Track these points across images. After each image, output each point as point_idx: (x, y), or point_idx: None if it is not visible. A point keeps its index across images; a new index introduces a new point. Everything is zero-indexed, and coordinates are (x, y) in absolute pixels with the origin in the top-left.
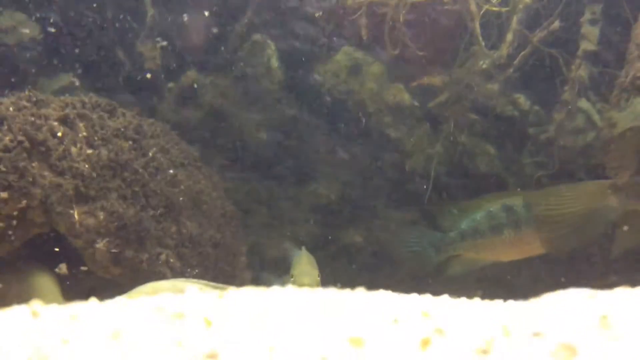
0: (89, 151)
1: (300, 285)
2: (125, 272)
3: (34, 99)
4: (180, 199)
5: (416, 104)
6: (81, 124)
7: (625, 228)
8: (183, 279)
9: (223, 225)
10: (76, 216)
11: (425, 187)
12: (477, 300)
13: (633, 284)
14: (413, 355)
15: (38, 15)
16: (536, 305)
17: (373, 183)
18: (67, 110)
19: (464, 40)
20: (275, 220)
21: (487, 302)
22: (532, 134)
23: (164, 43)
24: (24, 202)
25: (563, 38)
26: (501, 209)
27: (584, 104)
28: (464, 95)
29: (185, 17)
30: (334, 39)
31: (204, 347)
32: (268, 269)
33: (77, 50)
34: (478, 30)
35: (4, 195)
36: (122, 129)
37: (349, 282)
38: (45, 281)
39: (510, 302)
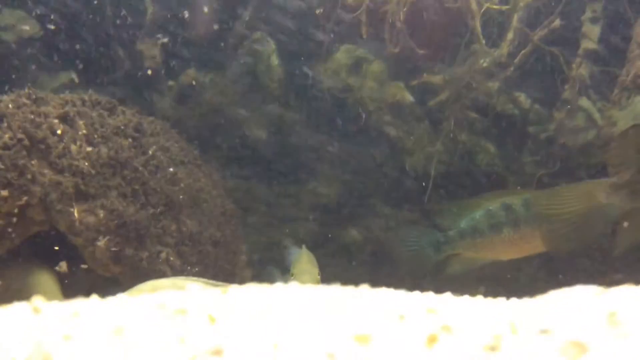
0: (89, 149)
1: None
2: (125, 270)
3: (34, 96)
4: (180, 197)
5: (412, 100)
6: (81, 122)
7: (625, 224)
8: (183, 277)
9: (223, 224)
10: (76, 214)
11: (425, 185)
12: (480, 297)
13: (637, 281)
14: (420, 352)
15: (38, 12)
16: (542, 302)
17: (373, 182)
18: (66, 108)
19: (465, 39)
20: (274, 219)
21: (491, 299)
22: (533, 132)
23: (165, 40)
24: (24, 199)
25: (564, 36)
26: (500, 207)
27: (584, 102)
28: (464, 93)
29: (187, 14)
30: (335, 36)
31: (209, 344)
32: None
33: (76, 48)
34: (479, 28)
35: (5, 193)
36: (122, 127)
37: (348, 280)
38: (44, 279)
39: (514, 299)
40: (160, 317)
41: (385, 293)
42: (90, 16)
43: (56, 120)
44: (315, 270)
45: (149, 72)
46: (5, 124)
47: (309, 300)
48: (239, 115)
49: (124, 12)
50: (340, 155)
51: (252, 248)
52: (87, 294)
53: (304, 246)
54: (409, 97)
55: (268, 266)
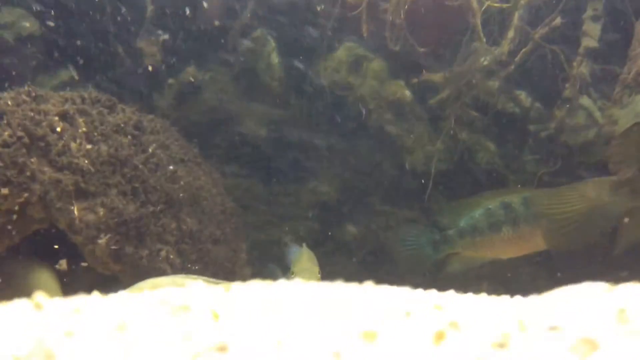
0: (89, 147)
1: None
2: (125, 268)
3: (34, 94)
4: (180, 195)
5: (412, 98)
6: (81, 120)
7: (626, 220)
8: (183, 275)
9: (223, 222)
10: (76, 212)
11: (425, 184)
12: (484, 295)
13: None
14: (428, 349)
15: (37, 8)
16: (550, 299)
17: (373, 180)
18: (66, 106)
19: (465, 37)
20: (274, 217)
21: (496, 297)
22: (533, 131)
23: (166, 36)
24: (24, 197)
25: (565, 34)
26: (499, 206)
27: (585, 101)
28: (464, 92)
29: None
30: (335, 34)
31: (213, 340)
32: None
33: (76, 46)
34: (479, 26)
35: (5, 191)
36: (122, 125)
37: (348, 279)
38: (44, 277)
39: (519, 297)
40: (163, 314)
41: (390, 290)
42: (90, 13)
43: (56, 118)
44: (315, 269)
45: (149, 69)
46: (4, 122)
47: (313, 297)
48: (239, 113)
49: (123, 9)
50: (340, 153)
51: (252, 246)
52: (87, 292)
53: (304, 244)
54: (409, 95)
55: (269, 264)
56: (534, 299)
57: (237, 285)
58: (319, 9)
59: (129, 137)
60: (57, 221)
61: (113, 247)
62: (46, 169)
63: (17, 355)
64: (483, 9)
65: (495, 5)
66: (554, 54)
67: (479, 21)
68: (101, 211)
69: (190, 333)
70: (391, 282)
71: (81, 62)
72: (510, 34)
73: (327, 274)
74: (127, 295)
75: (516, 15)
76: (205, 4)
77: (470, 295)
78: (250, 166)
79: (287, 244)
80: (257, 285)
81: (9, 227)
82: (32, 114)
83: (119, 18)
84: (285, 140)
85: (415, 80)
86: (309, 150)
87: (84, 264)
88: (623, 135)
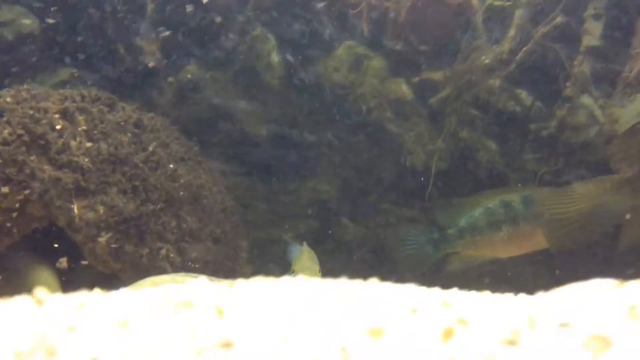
0: (89, 145)
1: None
2: (125, 266)
3: (33, 92)
4: (181, 193)
5: (413, 96)
6: (81, 118)
7: (628, 216)
8: (183, 273)
9: (223, 220)
10: (76, 210)
11: (425, 182)
12: (489, 293)
13: None
14: (436, 346)
15: (38, 5)
16: (558, 296)
17: (373, 178)
18: (66, 104)
19: (466, 35)
20: (274, 215)
21: (501, 295)
22: (534, 129)
23: (167, 33)
24: (23, 195)
25: (566, 33)
26: (499, 205)
27: (586, 99)
28: (465, 90)
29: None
30: (335, 33)
31: (218, 336)
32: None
33: (76, 44)
34: (480, 25)
35: (5, 190)
36: (122, 123)
37: (349, 277)
38: (44, 276)
39: (523, 295)
40: (166, 310)
41: (395, 287)
42: (90, 11)
43: (56, 116)
44: (316, 267)
45: (149, 67)
46: (4, 120)
47: (317, 294)
48: (240, 111)
49: (124, 7)
50: (340, 151)
51: (253, 245)
52: (87, 290)
53: (304, 243)
54: (410, 94)
55: (268, 265)
56: (541, 296)
57: (240, 282)
58: (319, 6)
59: (129, 135)
60: (57, 219)
61: (113, 246)
62: (46, 167)
63: (19, 351)
64: (484, 7)
65: (497, 3)
66: (555, 53)
67: (479, 19)
68: (101, 209)
69: (195, 330)
70: (392, 281)
71: (81, 59)
72: (511, 32)
73: (327, 272)
74: (129, 292)
75: (517, 13)
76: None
77: (475, 292)
78: (250, 164)
79: (287, 242)
80: (261, 282)
81: (9, 225)
82: (32, 112)
83: (119, 15)
84: (286, 138)
85: (415, 78)
86: (309, 149)
87: (84, 263)
88: (625, 134)
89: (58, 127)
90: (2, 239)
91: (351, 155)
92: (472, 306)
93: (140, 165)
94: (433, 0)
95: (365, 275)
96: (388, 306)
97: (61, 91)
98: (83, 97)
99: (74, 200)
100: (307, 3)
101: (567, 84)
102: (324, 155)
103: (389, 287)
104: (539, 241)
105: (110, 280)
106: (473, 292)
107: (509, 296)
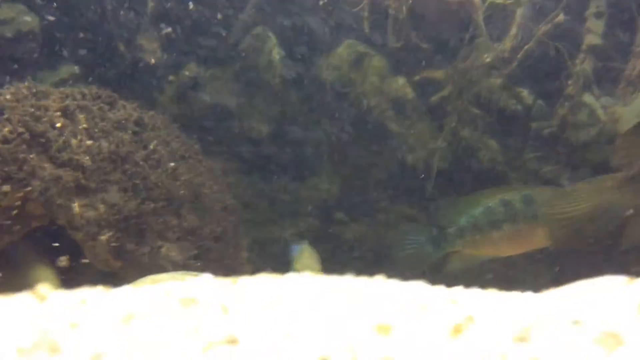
0: (89, 143)
1: None
2: (126, 265)
3: (34, 89)
4: (181, 192)
5: (414, 95)
6: (81, 116)
7: (630, 211)
8: (183, 272)
9: (224, 219)
10: (76, 209)
11: (426, 181)
12: (495, 290)
13: None
14: (445, 343)
15: (39, 1)
16: (568, 293)
17: (373, 177)
18: (67, 102)
19: (468, 33)
20: (275, 214)
21: (507, 292)
22: (536, 128)
23: (169, 29)
24: (23, 193)
25: (567, 31)
26: (499, 204)
27: (588, 98)
28: (466, 89)
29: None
30: (337, 31)
31: (223, 333)
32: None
33: (76, 42)
34: (482, 23)
35: (5, 188)
36: (123, 121)
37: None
38: (44, 274)
39: (529, 293)
40: (170, 306)
41: (402, 284)
42: (91, 8)
43: (56, 114)
44: (317, 266)
45: (150, 65)
46: (5, 118)
47: (323, 290)
48: (240, 109)
49: (124, 4)
50: (341, 150)
51: (253, 243)
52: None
53: (306, 242)
54: (411, 93)
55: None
56: (550, 293)
57: (244, 279)
58: (320, 4)
59: (130, 133)
60: (58, 218)
61: (113, 244)
62: (46, 165)
63: (21, 347)
64: (485, 5)
65: (498, 1)
66: (556, 51)
67: (481, 17)
68: (102, 208)
69: (199, 326)
70: (394, 279)
71: (82, 57)
72: (513, 30)
73: (328, 270)
74: (132, 289)
75: (519, 11)
76: None
77: (481, 290)
78: (250, 163)
79: (288, 241)
80: (265, 278)
81: (9, 223)
82: (32, 109)
83: (120, 12)
84: (286, 137)
85: (416, 77)
86: (310, 147)
87: (84, 261)
88: (627, 133)
89: (58, 125)
90: (2, 237)
91: (352, 154)
92: (480, 303)
93: (141, 163)
94: None
95: (366, 274)
96: (395, 303)
97: (62, 89)
98: (83, 95)
99: (74, 198)
100: (308, 1)
101: (569, 82)
102: (324, 153)
103: (395, 284)
104: (539, 240)
105: (111, 278)
106: (479, 290)
107: (516, 294)
